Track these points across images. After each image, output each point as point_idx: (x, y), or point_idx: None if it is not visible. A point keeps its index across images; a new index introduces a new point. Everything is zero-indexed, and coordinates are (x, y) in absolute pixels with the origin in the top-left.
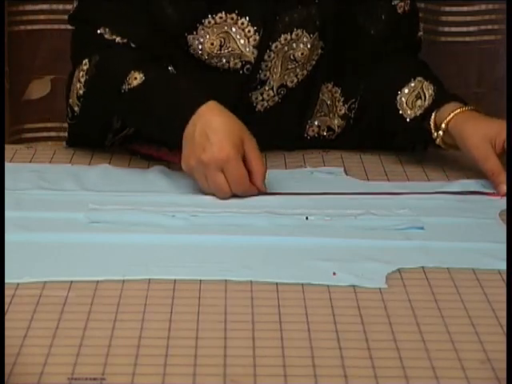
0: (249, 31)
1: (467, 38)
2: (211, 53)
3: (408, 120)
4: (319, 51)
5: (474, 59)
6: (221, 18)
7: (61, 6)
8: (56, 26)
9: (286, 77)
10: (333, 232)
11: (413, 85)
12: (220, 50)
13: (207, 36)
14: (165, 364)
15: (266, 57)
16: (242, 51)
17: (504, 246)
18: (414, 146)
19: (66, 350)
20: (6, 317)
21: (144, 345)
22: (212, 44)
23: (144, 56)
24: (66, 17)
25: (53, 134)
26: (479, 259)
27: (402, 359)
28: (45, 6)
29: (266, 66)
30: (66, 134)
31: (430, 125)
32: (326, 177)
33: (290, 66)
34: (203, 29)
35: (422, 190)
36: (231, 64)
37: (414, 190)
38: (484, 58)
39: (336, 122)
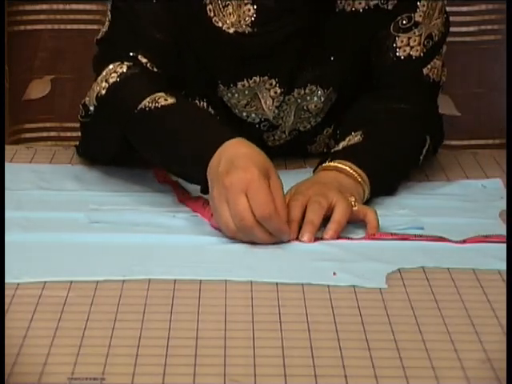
0: (275, 92)
1: (467, 38)
2: (235, 106)
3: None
4: (333, 99)
5: (474, 59)
6: (255, 82)
7: (61, 6)
8: (56, 26)
9: (298, 124)
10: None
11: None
12: (244, 107)
13: (236, 95)
14: (165, 364)
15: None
16: (264, 111)
17: (504, 246)
18: None
19: (66, 350)
20: (6, 317)
21: (144, 345)
22: (238, 102)
23: (175, 88)
24: (65, 17)
25: (53, 133)
26: (479, 259)
27: (402, 359)
28: (45, 6)
29: (279, 114)
30: (66, 134)
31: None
32: None
33: (303, 116)
34: (234, 89)
35: (422, 191)
36: (249, 119)
37: (414, 190)
38: (484, 58)
39: (332, 142)
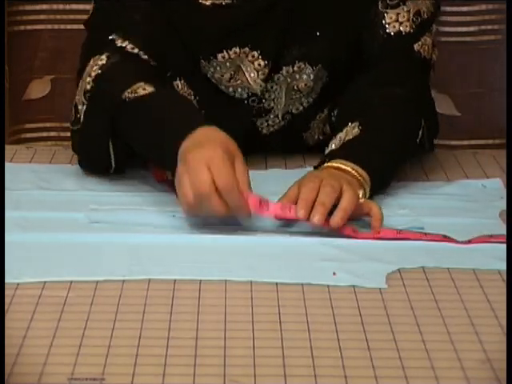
0: (259, 64)
1: (467, 38)
2: (220, 81)
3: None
4: (324, 80)
5: (474, 59)
6: (235, 53)
7: (61, 6)
8: (56, 26)
9: (290, 106)
10: (333, 232)
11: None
12: (229, 81)
13: (218, 68)
14: (165, 364)
15: (269, 87)
16: (250, 84)
17: (504, 246)
18: None
19: (66, 350)
20: (6, 317)
21: (144, 345)
22: (222, 76)
23: (153, 71)
24: (65, 17)
25: (53, 133)
26: (479, 259)
27: (402, 359)
28: (45, 6)
29: (270, 96)
30: (66, 134)
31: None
32: None
33: (294, 96)
34: (215, 61)
35: (422, 191)
36: (237, 94)
37: (414, 190)
38: (484, 58)
39: (327, 128)
